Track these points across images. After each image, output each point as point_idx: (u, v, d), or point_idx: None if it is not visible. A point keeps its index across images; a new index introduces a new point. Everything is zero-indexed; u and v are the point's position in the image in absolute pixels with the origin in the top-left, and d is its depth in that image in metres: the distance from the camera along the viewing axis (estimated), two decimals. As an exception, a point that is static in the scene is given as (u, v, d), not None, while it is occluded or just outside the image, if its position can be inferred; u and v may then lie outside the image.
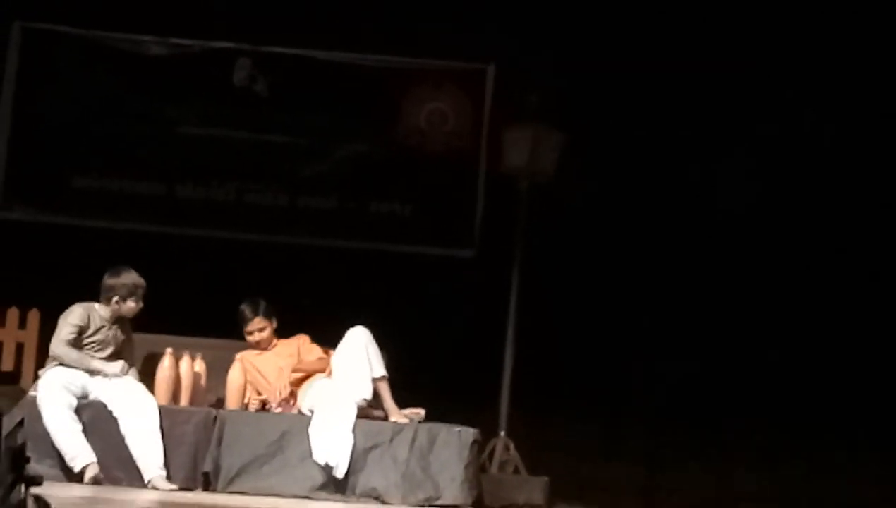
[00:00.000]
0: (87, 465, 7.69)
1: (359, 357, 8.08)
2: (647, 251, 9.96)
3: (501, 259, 9.46)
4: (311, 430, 7.91)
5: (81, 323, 7.98)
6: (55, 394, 7.79)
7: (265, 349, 8.45)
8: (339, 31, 10.05)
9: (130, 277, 8.06)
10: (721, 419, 9.67)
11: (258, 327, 8.43)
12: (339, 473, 7.81)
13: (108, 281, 8.06)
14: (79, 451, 7.72)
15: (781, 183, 10.04)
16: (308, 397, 8.21)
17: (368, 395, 8.09)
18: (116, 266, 8.09)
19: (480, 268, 9.85)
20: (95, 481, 7.63)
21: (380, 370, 8.10)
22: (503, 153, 9.55)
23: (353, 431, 7.88)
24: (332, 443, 7.83)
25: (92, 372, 7.94)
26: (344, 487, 7.94)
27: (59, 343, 7.96)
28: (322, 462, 7.83)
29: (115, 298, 8.05)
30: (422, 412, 8.23)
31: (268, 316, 8.45)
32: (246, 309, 8.45)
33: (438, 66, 10.23)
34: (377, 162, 10.23)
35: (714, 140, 10.05)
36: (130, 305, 8.08)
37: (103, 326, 8.09)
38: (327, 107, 10.19)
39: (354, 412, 7.97)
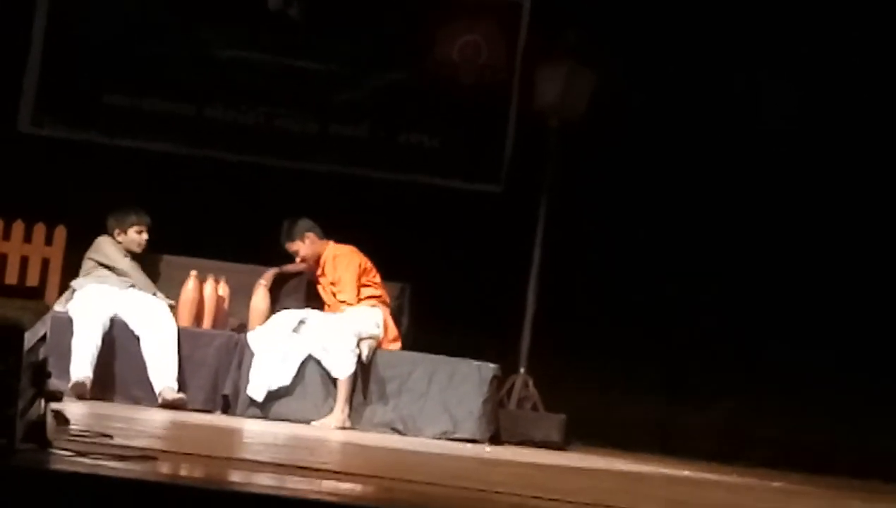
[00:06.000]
0: (81, 378, 7.74)
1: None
2: (675, 192, 9.90)
3: (528, 196, 9.42)
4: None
5: (114, 246, 8.30)
6: (91, 307, 7.97)
7: (313, 264, 8.49)
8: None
9: (127, 212, 8.36)
10: (743, 357, 9.64)
11: (292, 250, 8.50)
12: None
13: (109, 220, 8.39)
14: (82, 363, 7.79)
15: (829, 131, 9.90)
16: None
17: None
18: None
19: (507, 204, 9.81)
20: (77, 394, 7.60)
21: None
22: (535, 89, 9.48)
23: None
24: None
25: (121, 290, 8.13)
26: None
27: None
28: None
29: (116, 230, 8.35)
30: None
31: (292, 238, 8.48)
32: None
33: (474, -2, 10.15)
34: (408, 92, 10.16)
35: (752, 73, 9.95)
36: (132, 236, 8.33)
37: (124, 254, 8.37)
38: (360, 36, 10.12)
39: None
